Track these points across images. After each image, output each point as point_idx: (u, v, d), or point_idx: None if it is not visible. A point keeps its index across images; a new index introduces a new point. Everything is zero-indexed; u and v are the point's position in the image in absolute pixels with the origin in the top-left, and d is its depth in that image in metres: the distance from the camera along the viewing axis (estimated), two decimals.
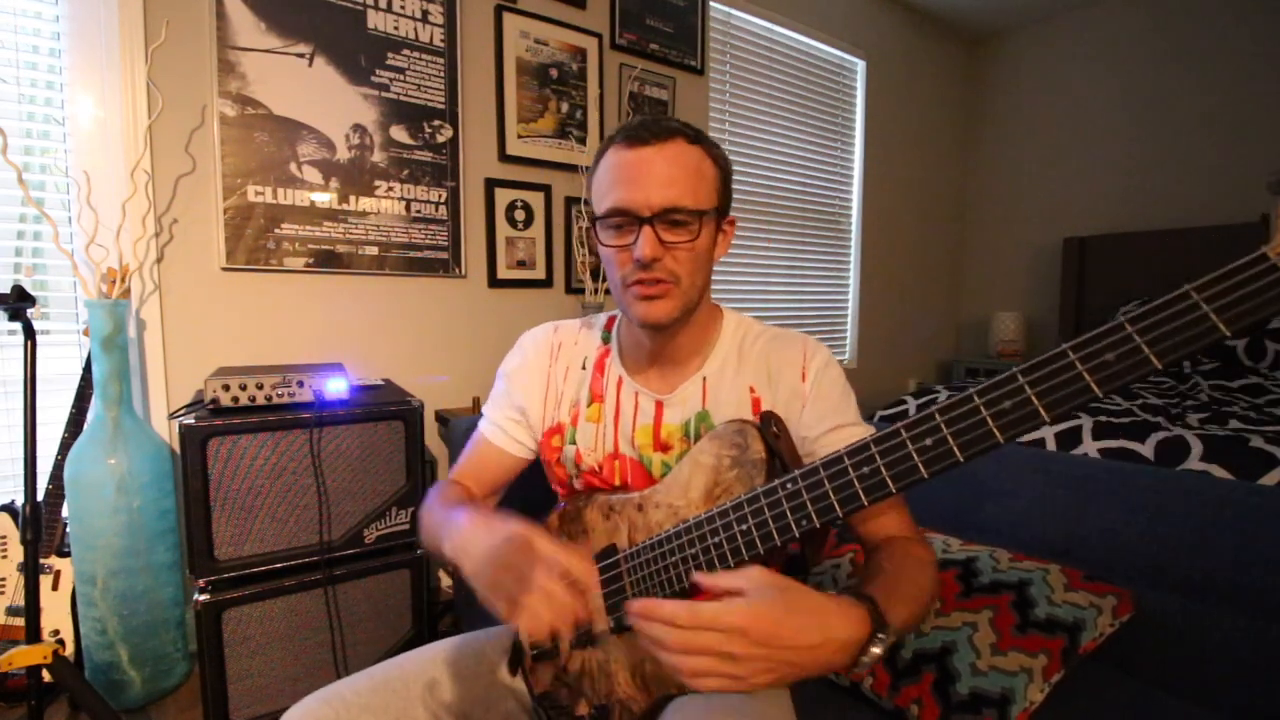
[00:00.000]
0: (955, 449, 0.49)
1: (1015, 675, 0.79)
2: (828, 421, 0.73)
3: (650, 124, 0.70)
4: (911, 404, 2.15)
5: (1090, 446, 1.70)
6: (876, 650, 0.52)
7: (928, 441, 0.50)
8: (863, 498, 0.52)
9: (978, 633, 0.86)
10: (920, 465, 0.50)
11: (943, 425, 0.49)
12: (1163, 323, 0.42)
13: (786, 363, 0.75)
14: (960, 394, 0.50)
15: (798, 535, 0.56)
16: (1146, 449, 1.57)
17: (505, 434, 0.86)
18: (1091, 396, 0.45)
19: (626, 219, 0.69)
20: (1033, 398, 0.46)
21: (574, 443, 0.81)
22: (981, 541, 1.09)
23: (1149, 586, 0.96)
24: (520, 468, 0.88)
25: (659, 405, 0.78)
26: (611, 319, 0.87)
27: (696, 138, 0.71)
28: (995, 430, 0.47)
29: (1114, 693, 0.87)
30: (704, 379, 0.77)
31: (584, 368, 0.84)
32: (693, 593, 0.65)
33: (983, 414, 0.48)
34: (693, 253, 0.70)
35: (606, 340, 0.85)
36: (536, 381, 0.85)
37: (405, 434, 1.44)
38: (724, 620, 0.47)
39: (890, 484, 0.51)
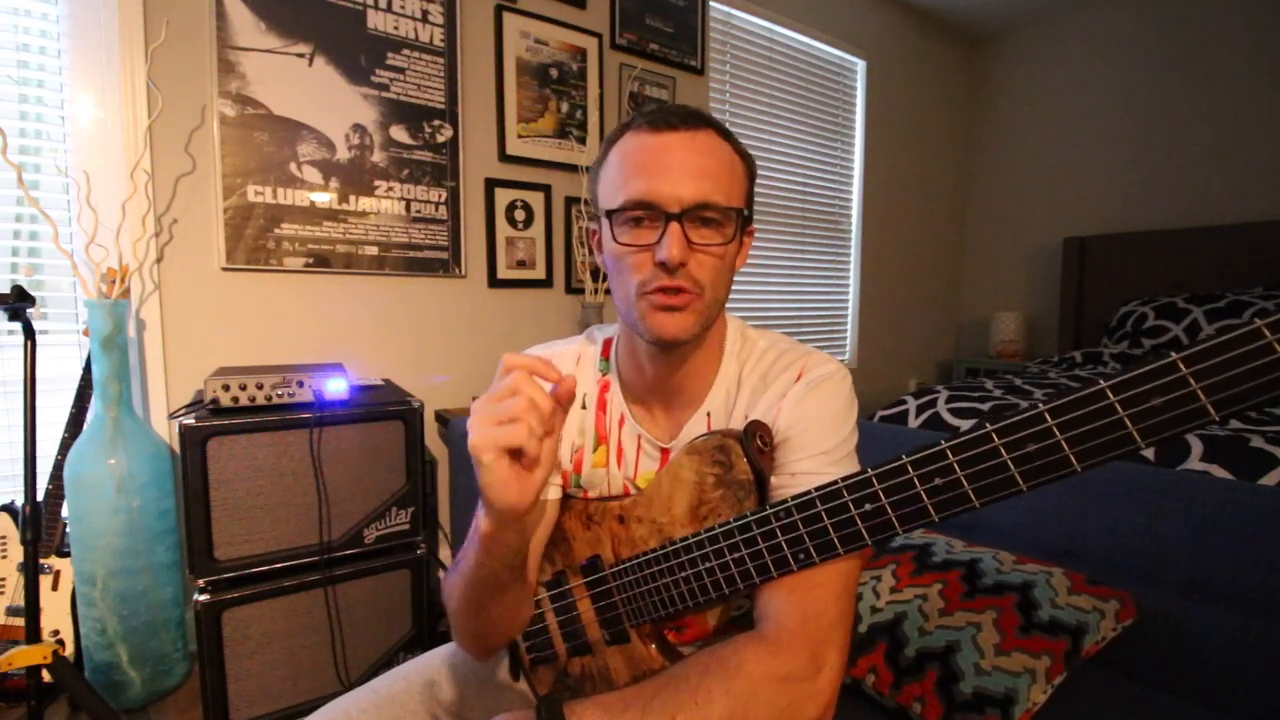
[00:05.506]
0: (970, 493, 0.44)
1: (1019, 676, 0.79)
2: (793, 450, 0.61)
3: (678, 109, 0.61)
4: (911, 404, 2.15)
5: None
6: None
7: (937, 481, 0.45)
8: (866, 536, 0.49)
9: (981, 633, 0.86)
10: (930, 507, 0.46)
11: (956, 465, 0.44)
12: (1224, 366, 0.35)
13: (776, 382, 0.65)
14: (978, 430, 0.44)
15: (795, 569, 0.53)
16: (1146, 449, 1.56)
17: None
18: (1132, 447, 0.38)
19: (650, 214, 0.59)
20: (1062, 443, 0.40)
21: (579, 487, 0.73)
22: (982, 540, 1.09)
23: (1149, 587, 0.96)
24: (554, 514, 0.72)
25: (665, 453, 0.69)
26: (608, 342, 0.75)
27: (726, 132, 0.63)
28: (1017, 476, 0.42)
29: (1115, 694, 0.88)
30: (708, 414, 0.68)
31: (584, 406, 0.73)
32: (673, 619, 0.64)
33: (1003, 456, 0.42)
34: (722, 259, 0.61)
35: (605, 370, 0.74)
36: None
37: (405, 434, 1.44)
38: None
39: (896, 524, 0.47)
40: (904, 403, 2.19)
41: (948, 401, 2.08)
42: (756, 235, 2.88)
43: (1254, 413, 1.82)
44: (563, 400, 0.51)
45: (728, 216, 0.60)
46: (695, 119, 0.61)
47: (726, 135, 0.63)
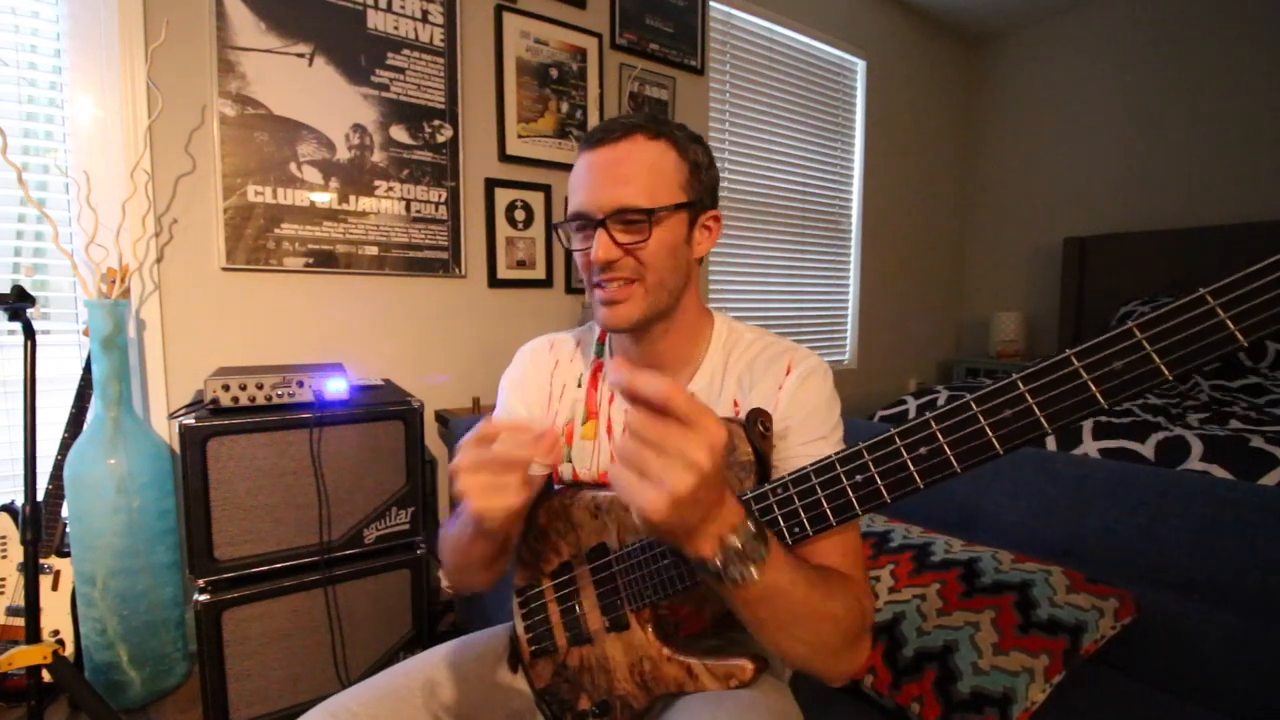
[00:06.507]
0: (952, 459, 0.47)
1: (1017, 675, 0.79)
2: (794, 436, 0.68)
3: (611, 124, 0.70)
4: (911, 404, 2.15)
5: (1090, 446, 1.70)
6: (734, 542, 0.49)
7: (922, 450, 0.48)
8: (856, 506, 0.51)
9: (980, 632, 0.86)
10: (915, 475, 0.49)
11: (939, 434, 0.48)
12: (1175, 330, 0.40)
13: (766, 373, 0.72)
14: (957, 401, 0.48)
15: (790, 544, 0.55)
16: (1146, 449, 1.57)
17: None
18: (1096, 408, 0.43)
19: (585, 222, 0.70)
20: (1033, 407, 0.44)
21: (569, 461, 0.79)
22: (981, 540, 1.09)
23: (1149, 586, 0.96)
24: (539, 486, 0.79)
25: None
26: (605, 330, 0.83)
27: (661, 131, 0.69)
28: (994, 440, 0.46)
29: (1114, 693, 0.87)
30: (693, 395, 0.73)
31: (579, 385, 0.82)
32: (672, 598, 0.64)
33: (981, 423, 0.46)
34: (660, 248, 0.68)
35: (600, 354, 0.83)
36: (539, 394, 0.82)
37: (405, 434, 1.44)
38: (706, 427, 0.46)
39: (885, 493, 0.50)
40: (904, 402, 2.19)
41: (948, 401, 2.08)
42: (756, 235, 2.92)
43: (1254, 412, 1.82)
44: (547, 447, 0.56)
45: (650, 216, 0.67)
46: (623, 129, 0.68)
47: (660, 134, 0.69)
